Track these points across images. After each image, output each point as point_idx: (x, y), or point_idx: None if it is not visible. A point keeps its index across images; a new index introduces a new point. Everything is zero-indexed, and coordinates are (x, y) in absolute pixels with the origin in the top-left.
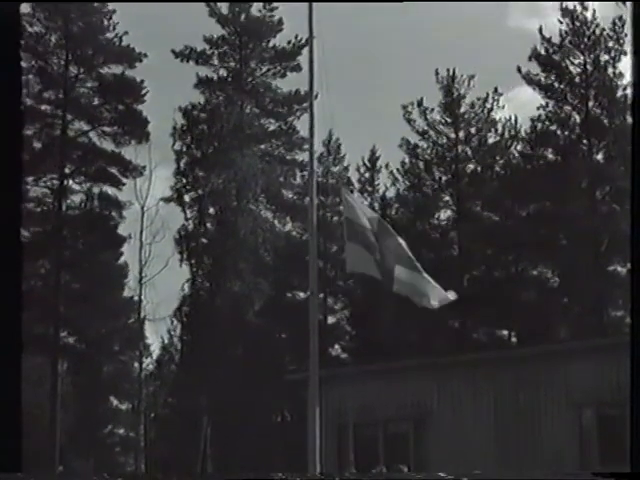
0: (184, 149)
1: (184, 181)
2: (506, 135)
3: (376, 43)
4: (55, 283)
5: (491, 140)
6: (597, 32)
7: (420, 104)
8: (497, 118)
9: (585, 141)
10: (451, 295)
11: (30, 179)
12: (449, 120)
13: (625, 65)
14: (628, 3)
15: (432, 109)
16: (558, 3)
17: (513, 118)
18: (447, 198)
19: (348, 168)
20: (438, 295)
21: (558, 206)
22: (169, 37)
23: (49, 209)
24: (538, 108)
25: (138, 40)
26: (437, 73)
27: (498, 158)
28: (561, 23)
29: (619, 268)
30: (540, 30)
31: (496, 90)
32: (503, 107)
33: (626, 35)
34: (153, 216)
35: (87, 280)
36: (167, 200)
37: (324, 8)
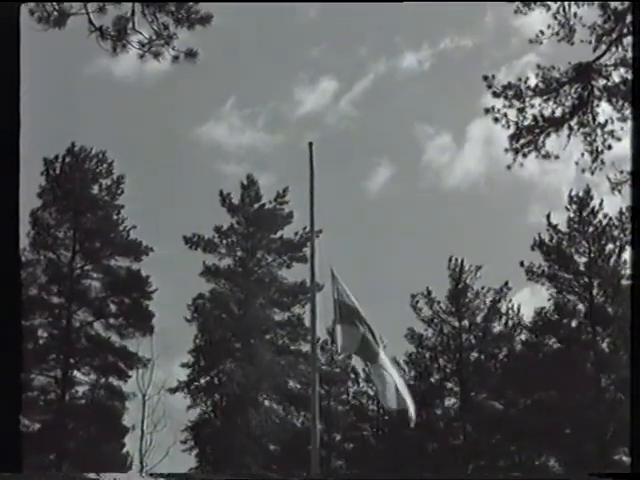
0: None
1: (188, 372)
2: (510, 324)
3: (384, 230)
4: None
5: (495, 329)
6: (603, 222)
7: (429, 294)
8: (502, 308)
9: (589, 329)
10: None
11: (34, 369)
12: (454, 309)
13: (629, 254)
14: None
15: (439, 302)
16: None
17: (517, 307)
18: (451, 386)
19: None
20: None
21: (563, 395)
22: (178, 226)
23: (52, 399)
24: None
25: (146, 230)
26: (450, 260)
27: (502, 348)
28: (568, 210)
29: (624, 457)
30: (548, 217)
31: (506, 284)
32: (510, 300)
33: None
34: (154, 405)
35: (89, 471)
36: (172, 390)
37: (330, 200)
